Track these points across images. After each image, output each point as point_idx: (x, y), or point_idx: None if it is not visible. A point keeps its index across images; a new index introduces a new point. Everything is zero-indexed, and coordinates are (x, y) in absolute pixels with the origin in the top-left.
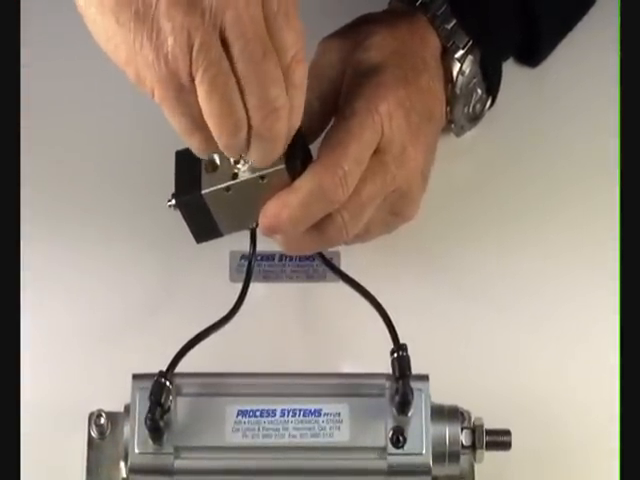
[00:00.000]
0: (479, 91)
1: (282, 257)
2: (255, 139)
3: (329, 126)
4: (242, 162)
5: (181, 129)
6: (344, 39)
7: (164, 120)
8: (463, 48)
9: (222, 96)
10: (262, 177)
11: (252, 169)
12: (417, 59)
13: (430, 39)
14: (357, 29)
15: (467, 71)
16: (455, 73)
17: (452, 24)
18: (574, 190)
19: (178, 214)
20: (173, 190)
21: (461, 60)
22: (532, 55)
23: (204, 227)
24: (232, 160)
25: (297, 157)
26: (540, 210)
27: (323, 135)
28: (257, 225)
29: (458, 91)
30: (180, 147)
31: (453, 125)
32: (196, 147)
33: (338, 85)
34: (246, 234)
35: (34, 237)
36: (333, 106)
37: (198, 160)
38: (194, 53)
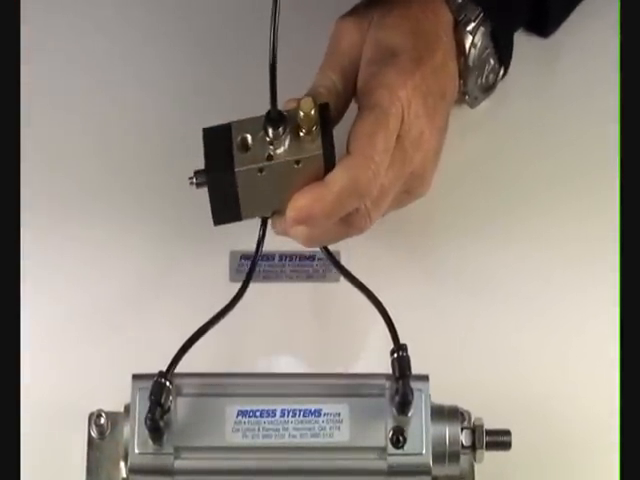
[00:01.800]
0: (492, 61)
1: (282, 257)
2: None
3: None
4: (277, 144)
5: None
6: (361, 19)
7: (166, 115)
8: (474, 20)
9: None
10: (297, 162)
11: (287, 152)
12: (430, 36)
13: (442, 13)
14: (372, 8)
15: (479, 43)
16: (467, 46)
17: None
18: (575, 183)
19: (178, 213)
20: (174, 188)
21: (473, 32)
22: (542, 25)
23: (226, 208)
24: (267, 140)
25: (332, 145)
26: (540, 203)
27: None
28: (272, 214)
29: (471, 63)
30: (181, 139)
31: (467, 97)
32: None
33: (358, 64)
34: (246, 234)
35: (35, 237)
36: (354, 84)
37: (229, 138)
38: None
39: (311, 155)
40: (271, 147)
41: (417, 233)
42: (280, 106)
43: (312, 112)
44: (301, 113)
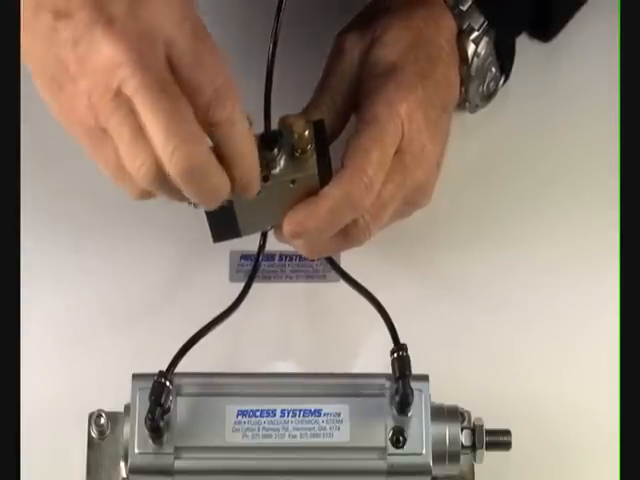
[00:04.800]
0: (493, 70)
1: (282, 257)
2: (173, 176)
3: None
4: (272, 164)
5: (106, 173)
6: (362, 34)
7: None
8: (478, 29)
9: (127, 142)
10: (293, 181)
11: (283, 173)
12: (433, 47)
13: (445, 22)
14: (373, 21)
15: (482, 52)
16: (470, 55)
17: (468, 5)
18: (574, 189)
19: (178, 213)
20: None
21: (476, 41)
22: (544, 29)
23: (224, 227)
24: (262, 162)
25: (328, 162)
26: (538, 206)
27: (340, 138)
28: (271, 228)
29: (473, 72)
30: None
31: (468, 104)
32: (127, 193)
33: (359, 80)
34: None
35: (35, 237)
36: (354, 100)
37: None
38: (95, 109)
39: (306, 175)
40: (266, 168)
41: (416, 234)
42: (274, 118)
43: (305, 133)
44: (295, 135)
